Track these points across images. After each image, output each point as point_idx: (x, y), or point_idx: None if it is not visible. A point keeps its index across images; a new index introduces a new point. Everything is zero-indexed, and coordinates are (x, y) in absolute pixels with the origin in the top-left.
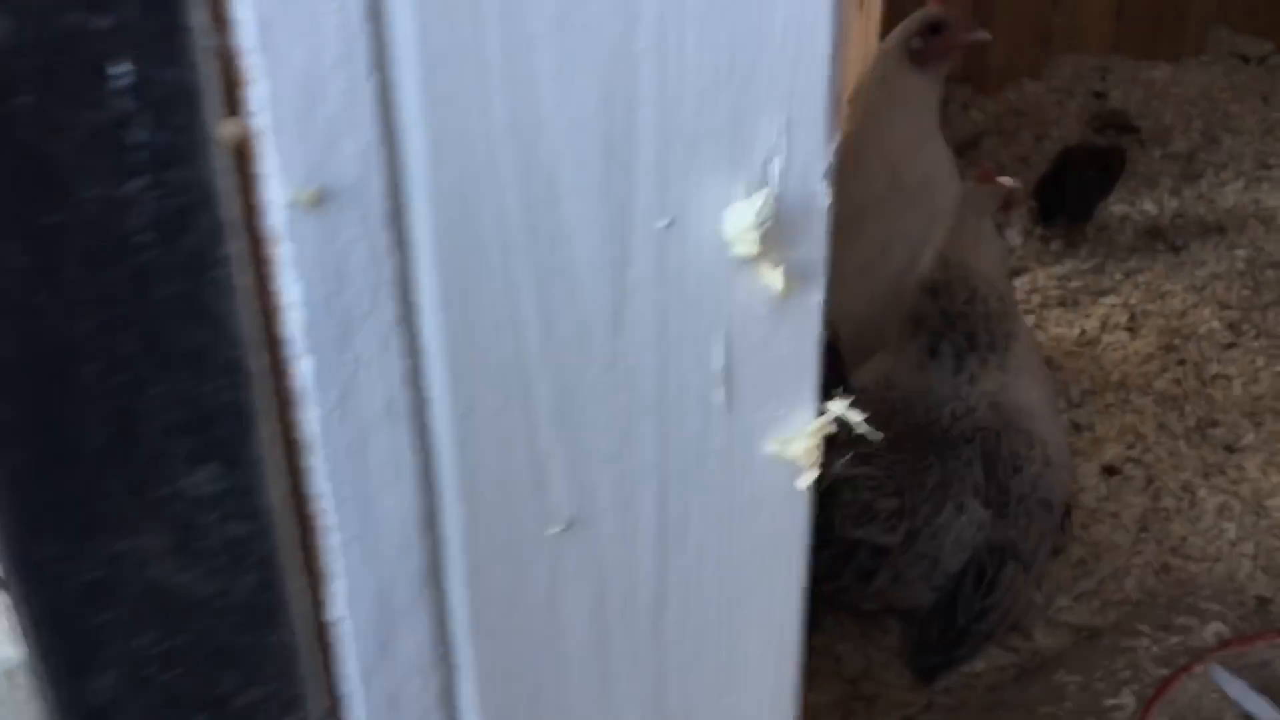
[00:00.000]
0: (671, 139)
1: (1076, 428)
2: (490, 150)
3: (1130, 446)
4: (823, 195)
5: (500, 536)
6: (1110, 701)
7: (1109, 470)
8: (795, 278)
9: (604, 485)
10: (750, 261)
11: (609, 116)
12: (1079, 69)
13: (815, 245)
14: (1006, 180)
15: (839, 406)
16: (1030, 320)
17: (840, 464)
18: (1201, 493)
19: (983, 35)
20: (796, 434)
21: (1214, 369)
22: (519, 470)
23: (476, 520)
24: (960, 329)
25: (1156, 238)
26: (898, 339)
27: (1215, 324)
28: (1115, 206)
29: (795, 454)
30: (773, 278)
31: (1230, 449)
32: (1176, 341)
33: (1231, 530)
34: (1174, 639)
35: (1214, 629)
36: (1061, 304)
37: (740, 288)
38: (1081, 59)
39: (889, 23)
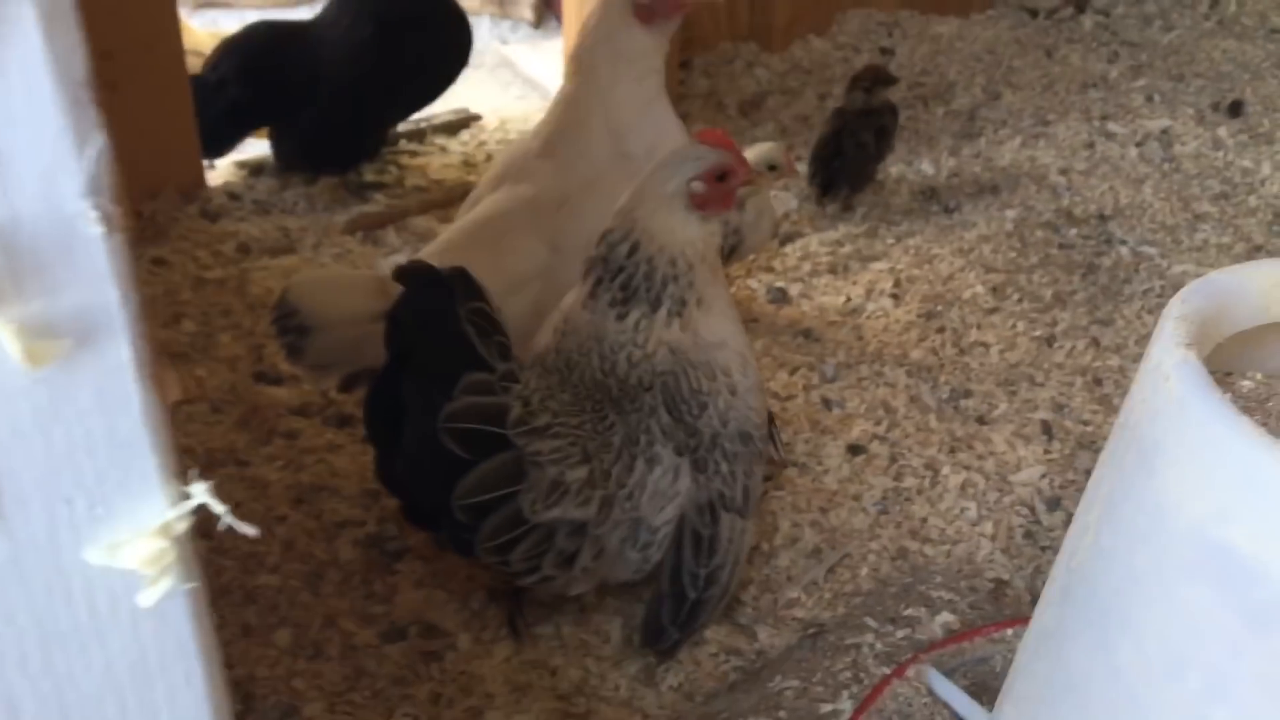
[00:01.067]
0: None
1: (827, 404)
2: None
3: (879, 423)
4: (87, 218)
5: None
6: (827, 708)
7: (854, 449)
8: (56, 336)
9: None
10: None
11: None
12: (866, 25)
13: (91, 286)
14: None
15: (199, 491)
16: (797, 289)
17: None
18: (945, 470)
19: None
20: (132, 535)
21: (973, 335)
22: None
23: None
24: (618, 281)
25: (931, 199)
26: (580, 279)
27: (979, 288)
28: (893, 167)
29: (135, 560)
30: (7, 341)
31: (981, 420)
32: (939, 308)
33: (973, 509)
34: (900, 634)
35: (942, 620)
36: (831, 271)
37: None
38: (869, 14)
39: None
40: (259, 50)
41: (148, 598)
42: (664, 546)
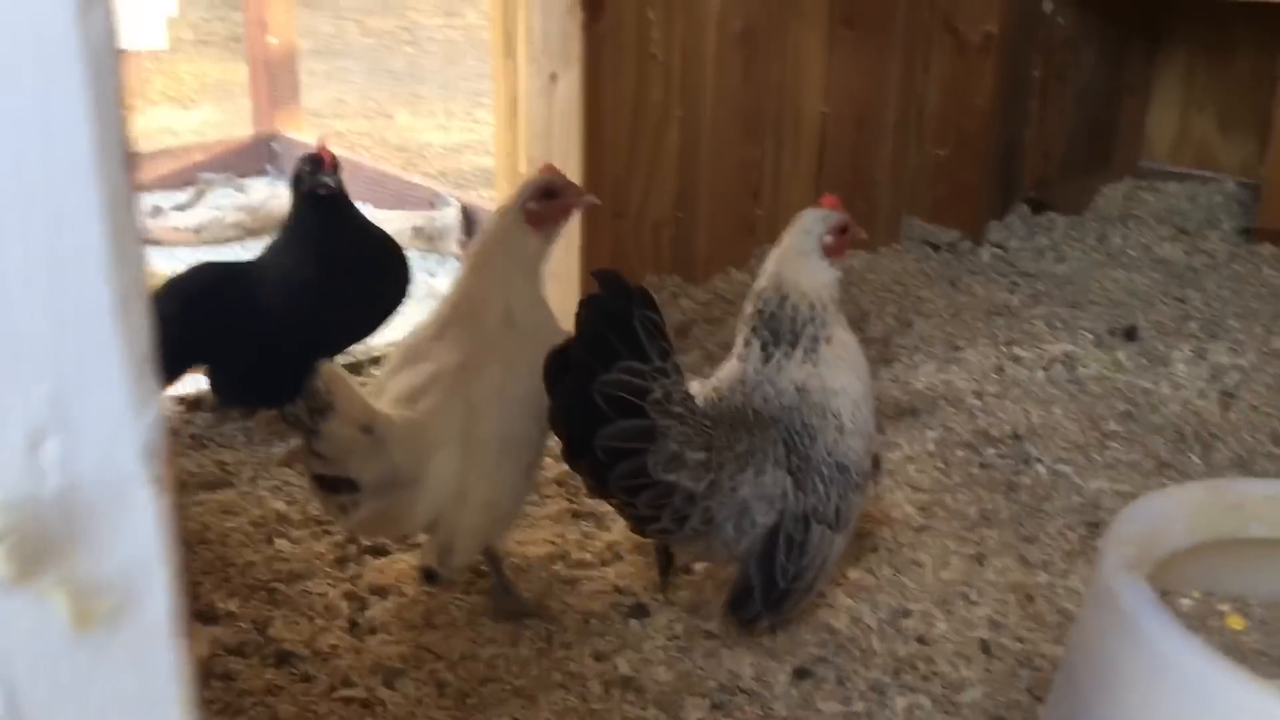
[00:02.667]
0: None
1: (771, 625)
2: None
3: (823, 645)
4: (141, 479)
5: None
6: None
7: (800, 673)
8: (102, 595)
9: None
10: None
11: None
12: None
13: (137, 544)
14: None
15: None
16: None
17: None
18: (891, 693)
19: (593, 200)
20: None
21: (907, 554)
22: None
23: None
24: (769, 326)
25: None
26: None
27: (908, 508)
28: None
29: None
30: (58, 603)
31: (922, 640)
32: (871, 528)
33: None
34: None
35: None
36: None
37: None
38: None
39: None
40: (200, 290)
41: None
42: (758, 539)
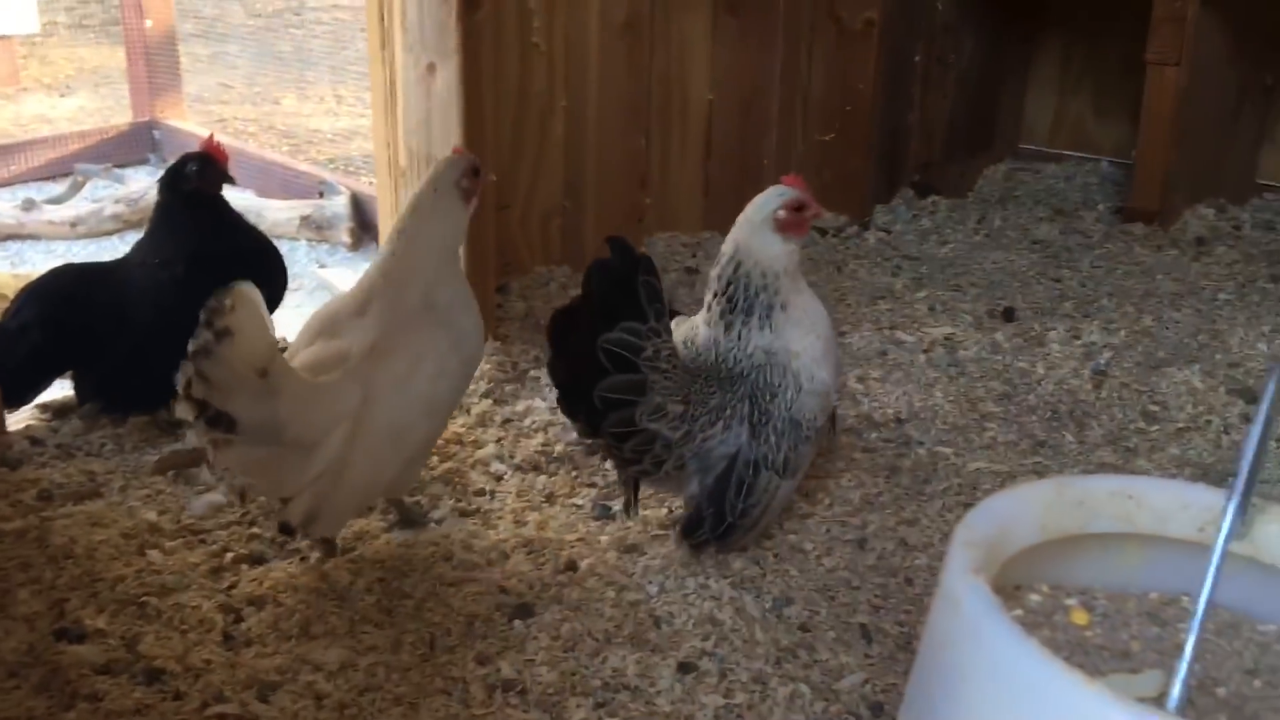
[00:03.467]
0: None
1: (655, 621)
2: None
3: (707, 638)
4: None
5: None
6: None
7: (684, 667)
8: None
9: None
10: None
11: None
12: (672, 246)
13: None
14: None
15: None
16: (622, 501)
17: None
18: (773, 683)
19: (490, 177)
20: None
21: (791, 542)
22: None
23: None
24: (727, 293)
25: None
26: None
27: (794, 494)
28: None
29: None
30: None
31: (804, 628)
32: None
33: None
34: None
35: None
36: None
37: None
38: (674, 236)
39: None
40: (62, 294)
41: None
42: (712, 482)
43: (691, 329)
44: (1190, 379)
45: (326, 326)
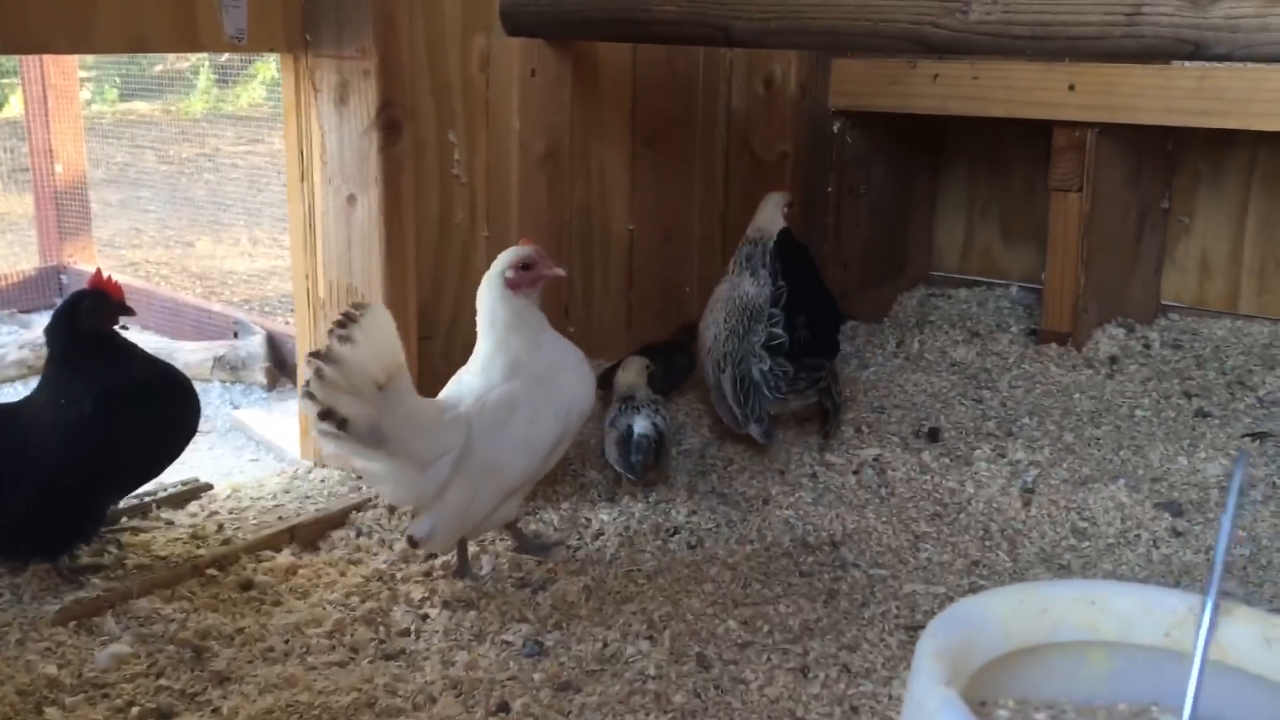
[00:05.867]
0: None
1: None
2: None
3: None
4: None
5: None
6: None
7: None
8: None
9: None
10: None
11: None
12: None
13: None
14: None
15: None
16: (555, 636)
17: None
18: None
19: (560, 272)
20: None
21: (732, 673)
22: None
23: None
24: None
25: (673, 535)
26: None
27: (731, 623)
28: (633, 506)
29: None
30: None
31: None
32: (695, 646)
33: None
34: None
35: None
36: (588, 617)
37: None
38: (598, 364)
39: None
40: None
41: None
42: None
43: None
44: (1117, 494)
45: (451, 385)
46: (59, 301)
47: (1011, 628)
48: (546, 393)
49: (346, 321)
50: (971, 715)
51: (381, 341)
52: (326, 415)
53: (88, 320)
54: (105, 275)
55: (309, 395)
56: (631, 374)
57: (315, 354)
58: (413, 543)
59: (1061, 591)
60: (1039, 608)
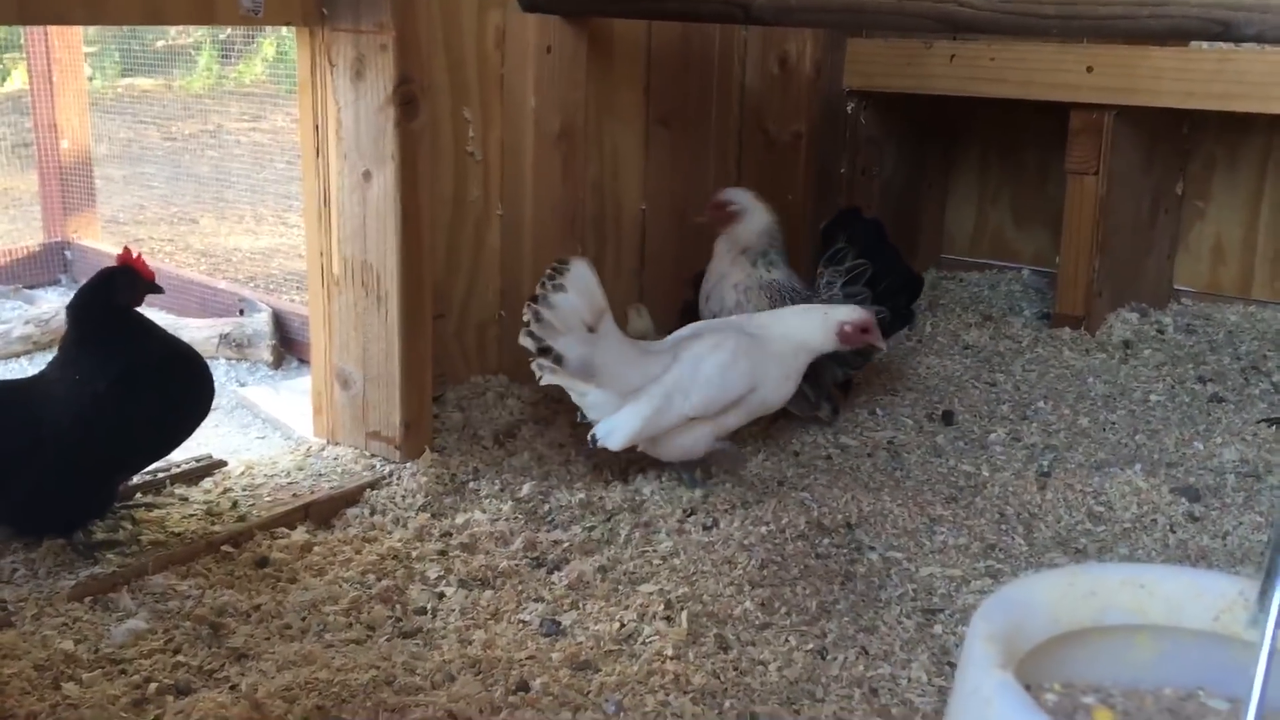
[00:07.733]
0: None
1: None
2: None
3: None
4: None
5: None
6: None
7: None
8: None
9: None
10: None
11: None
12: None
13: None
14: None
15: None
16: (570, 618)
17: None
18: None
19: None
20: None
21: (751, 654)
22: None
23: None
24: None
25: (689, 516)
26: None
27: (749, 604)
28: (645, 487)
29: None
30: None
31: None
32: (713, 627)
33: None
34: None
35: None
36: (604, 596)
37: None
38: None
39: None
40: None
41: None
42: None
43: None
44: (1133, 479)
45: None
46: (63, 277)
47: (1060, 611)
48: (753, 356)
49: (555, 273)
50: (1029, 699)
51: (586, 290)
52: (545, 351)
53: (123, 297)
54: (135, 253)
55: (530, 334)
56: (643, 322)
57: (534, 299)
58: (593, 440)
59: (1110, 574)
60: (1087, 590)
